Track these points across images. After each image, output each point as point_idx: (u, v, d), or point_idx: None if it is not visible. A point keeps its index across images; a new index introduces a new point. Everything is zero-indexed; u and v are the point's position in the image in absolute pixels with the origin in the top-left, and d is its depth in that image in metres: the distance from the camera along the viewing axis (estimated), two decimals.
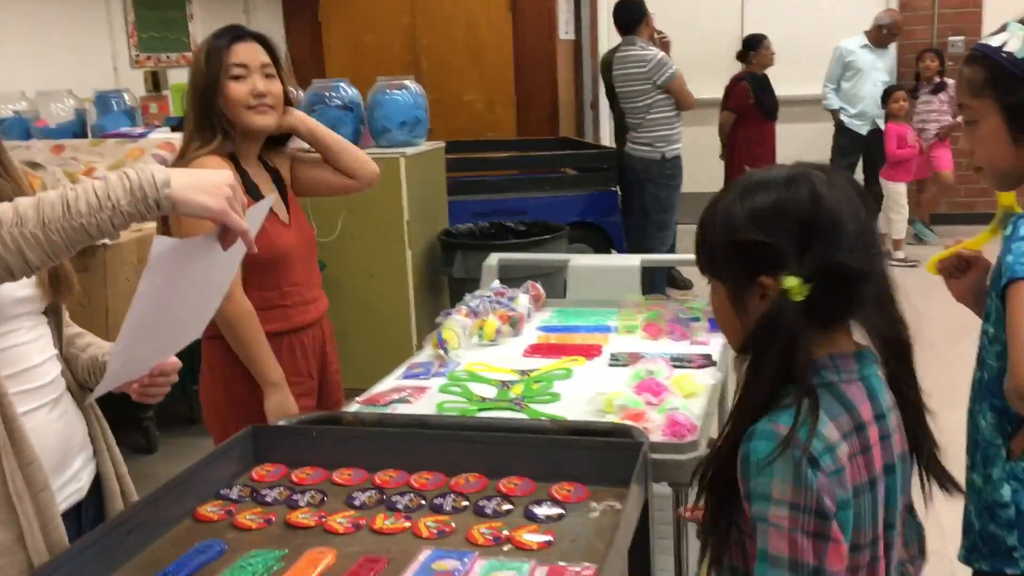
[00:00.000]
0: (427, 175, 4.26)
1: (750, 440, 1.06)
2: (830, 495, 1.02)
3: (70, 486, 1.42)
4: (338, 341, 2.29)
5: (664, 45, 5.52)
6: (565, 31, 7.69)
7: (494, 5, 7.36)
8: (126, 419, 3.63)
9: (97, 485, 1.50)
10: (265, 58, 2.04)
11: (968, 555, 1.51)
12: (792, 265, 1.06)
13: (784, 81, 6.95)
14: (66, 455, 1.42)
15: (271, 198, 1.55)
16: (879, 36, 6.72)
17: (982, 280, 1.53)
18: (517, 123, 7.51)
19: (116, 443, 1.57)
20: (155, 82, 6.07)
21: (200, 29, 6.56)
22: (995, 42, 1.40)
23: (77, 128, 4.43)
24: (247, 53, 2.01)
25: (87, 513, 1.47)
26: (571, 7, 7.90)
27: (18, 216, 1.12)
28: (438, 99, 7.15)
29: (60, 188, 1.16)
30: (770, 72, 6.59)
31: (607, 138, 8.09)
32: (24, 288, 1.34)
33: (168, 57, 6.30)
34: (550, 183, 5.51)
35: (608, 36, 7.92)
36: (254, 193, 2.02)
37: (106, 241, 3.01)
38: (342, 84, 4.06)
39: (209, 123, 2.00)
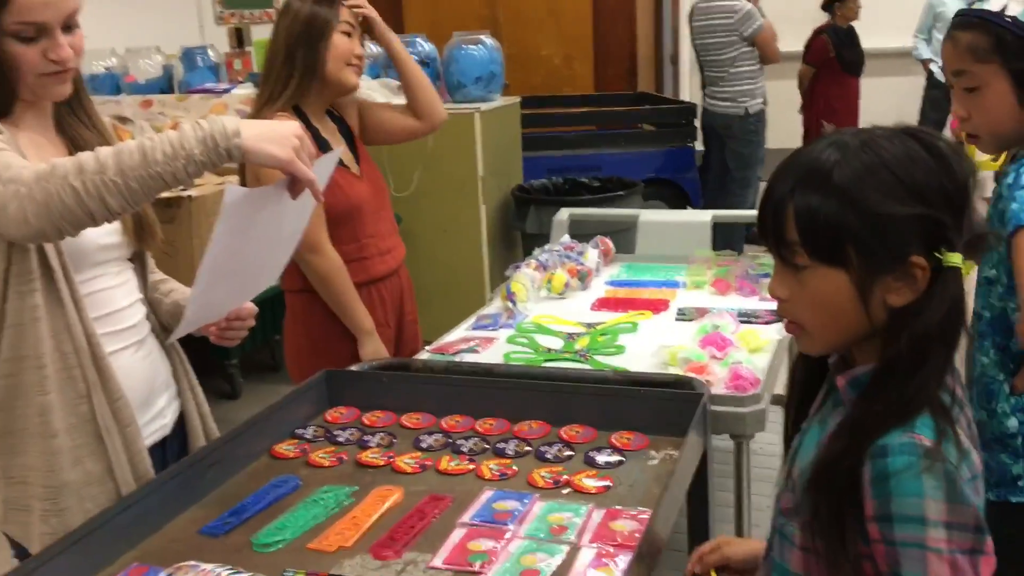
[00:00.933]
0: (501, 131, 4.28)
1: (885, 456, 0.92)
2: (979, 508, 0.93)
3: (155, 422, 1.51)
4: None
5: None
6: None
7: None
8: (211, 366, 3.77)
9: (181, 423, 1.59)
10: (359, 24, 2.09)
11: None
12: (955, 238, 0.92)
13: (872, 34, 6.72)
14: (151, 393, 1.50)
15: (340, 149, 1.60)
16: None
17: None
18: (595, 78, 7.43)
19: (200, 385, 1.66)
20: (239, 39, 6.19)
21: None
22: (993, 6, 1.38)
23: (164, 84, 4.56)
24: (349, 14, 2.06)
25: (171, 449, 1.56)
26: None
27: (99, 164, 1.18)
28: (515, 54, 7.12)
29: (138, 138, 1.22)
30: (858, 24, 6.38)
31: (687, 93, 7.97)
32: (109, 235, 1.42)
33: (252, 14, 6.41)
34: (626, 139, 5.47)
35: None
36: (324, 147, 2.07)
37: (191, 193, 3.13)
38: (418, 39, 4.09)
39: (291, 75, 2.03)
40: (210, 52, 4.92)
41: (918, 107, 6.83)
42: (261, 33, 6.42)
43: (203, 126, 1.20)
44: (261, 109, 2.03)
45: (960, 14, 1.46)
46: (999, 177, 1.50)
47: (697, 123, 5.47)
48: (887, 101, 6.35)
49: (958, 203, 0.92)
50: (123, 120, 3.53)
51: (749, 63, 5.08)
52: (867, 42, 6.50)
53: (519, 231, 4.30)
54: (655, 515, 1.14)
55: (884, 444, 0.91)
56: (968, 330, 1.40)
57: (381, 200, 2.21)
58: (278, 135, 1.22)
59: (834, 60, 6.20)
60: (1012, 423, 1.46)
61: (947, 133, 1.53)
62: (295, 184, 1.27)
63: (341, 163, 2.07)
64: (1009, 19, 1.36)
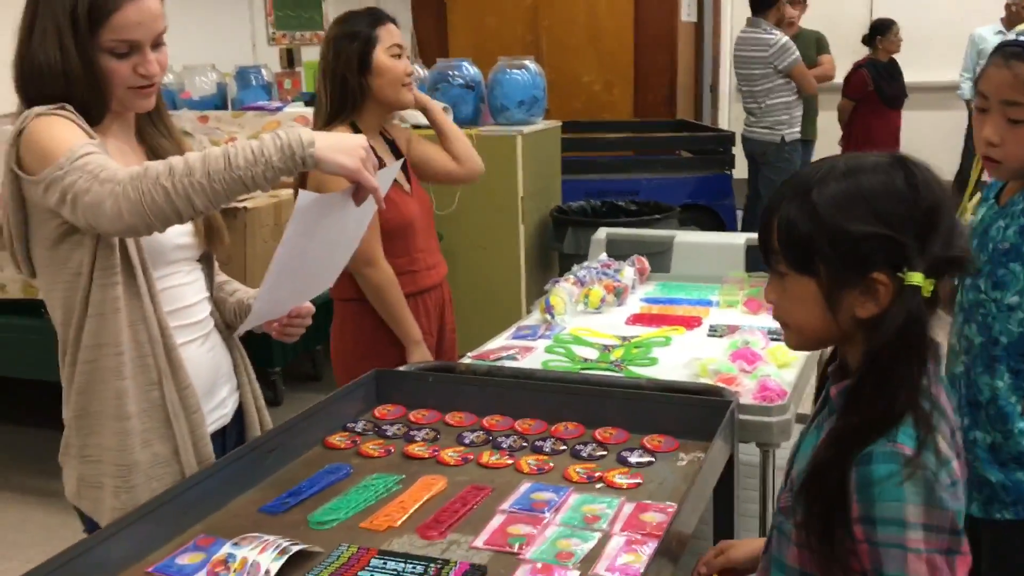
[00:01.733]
0: (542, 153, 4.39)
1: (869, 464, 1.00)
2: (955, 512, 1.00)
3: (217, 411, 1.63)
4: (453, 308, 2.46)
5: (791, 26, 5.48)
6: (687, 13, 7.67)
7: None
8: (256, 373, 3.92)
9: (239, 413, 1.70)
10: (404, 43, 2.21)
11: (986, 508, 1.56)
12: (915, 259, 1.00)
13: (914, 67, 6.76)
14: (214, 384, 1.62)
15: (401, 161, 1.71)
16: (1011, 17, 6.46)
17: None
18: (634, 105, 7.54)
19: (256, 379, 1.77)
20: (290, 59, 6.40)
21: (333, 8, 6.85)
22: None
23: (218, 101, 4.74)
24: (400, 35, 2.18)
25: (230, 437, 1.67)
26: None
27: (187, 167, 1.30)
28: (557, 80, 7.26)
29: (222, 146, 1.34)
30: (899, 57, 6.43)
31: (726, 121, 8.05)
32: (183, 236, 1.54)
33: (302, 35, 6.62)
34: (663, 164, 5.56)
35: (732, 19, 7.87)
36: (379, 163, 2.19)
37: (247, 205, 3.27)
38: (464, 63, 4.22)
39: (344, 95, 2.15)
40: (263, 71, 5.10)
41: (961, 140, 6.85)
42: (311, 54, 6.63)
43: (281, 136, 1.31)
44: (323, 128, 2.16)
45: (1019, 45, 1.46)
46: (1004, 207, 1.54)
47: (735, 150, 5.56)
48: (930, 135, 6.37)
49: (923, 228, 1.00)
50: (184, 133, 3.69)
51: (785, 94, 5.17)
52: (910, 75, 6.55)
53: (557, 251, 4.40)
54: (681, 508, 1.22)
55: (869, 452, 1.00)
56: (961, 352, 1.48)
57: (428, 218, 2.33)
58: (347, 146, 1.33)
59: (873, 94, 6.25)
60: None
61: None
62: (359, 192, 1.38)
63: (396, 181, 2.18)
64: None
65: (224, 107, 4.68)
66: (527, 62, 4.27)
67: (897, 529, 0.98)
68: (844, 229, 1.01)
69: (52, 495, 3.41)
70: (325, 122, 2.19)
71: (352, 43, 2.15)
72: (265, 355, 3.96)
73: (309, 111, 4.35)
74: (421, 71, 4.50)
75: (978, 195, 1.69)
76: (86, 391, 1.46)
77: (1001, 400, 1.54)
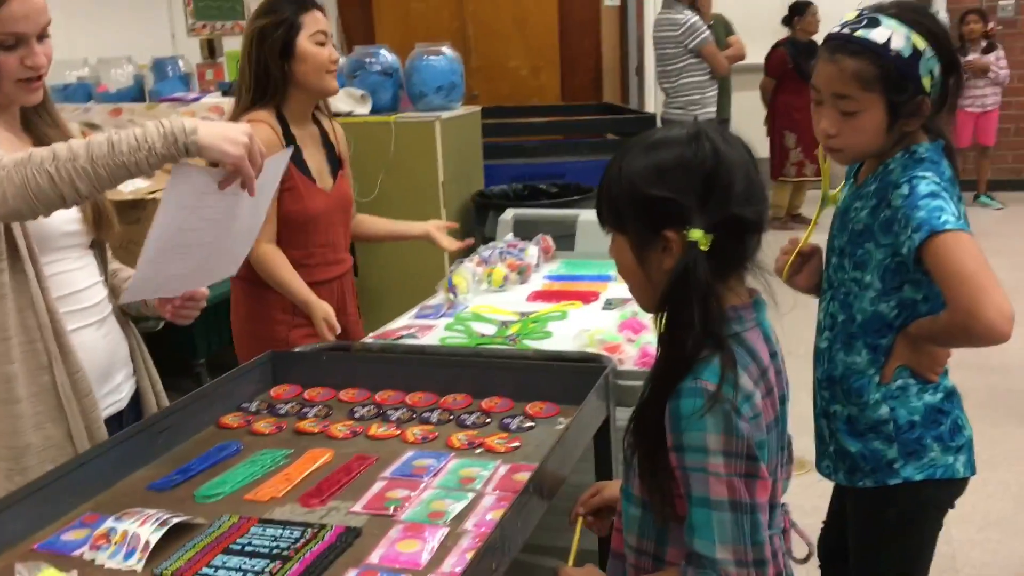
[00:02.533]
0: (462, 138, 4.44)
1: (678, 399, 1.11)
2: (753, 439, 1.11)
3: (112, 396, 1.66)
4: (373, 297, 2.48)
5: (703, 5, 5.59)
6: None
7: None
8: (179, 366, 3.91)
9: (136, 398, 1.74)
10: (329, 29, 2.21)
11: (850, 477, 1.65)
12: (695, 218, 1.11)
13: None
14: (109, 369, 1.65)
15: (290, 149, 1.74)
16: None
17: (821, 264, 1.70)
18: (561, 89, 7.63)
19: (155, 365, 1.80)
20: (211, 49, 6.34)
21: None
22: (877, 37, 1.47)
23: (136, 93, 4.69)
24: (325, 22, 2.19)
25: (127, 421, 1.70)
26: None
27: (71, 152, 1.34)
28: (484, 66, 7.32)
29: (107, 132, 1.37)
30: (819, 37, 6.59)
31: (652, 104, 8.17)
32: (71, 223, 1.57)
33: (223, 25, 6.56)
34: (590, 148, 5.63)
35: (654, 2, 7.97)
36: (296, 158, 2.19)
37: (156, 196, 3.27)
38: (382, 50, 4.24)
39: (266, 83, 2.15)
40: (180, 62, 5.06)
41: None
42: (232, 44, 6.57)
43: (164, 124, 1.36)
44: (240, 116, 2.16)
45: (841, 37, 1.51)
46: (860, 188, 1.61)
47: None
48: None
49: (703, 191, 1.12)
50: (93, 127, 3.66)
51: (698, 73, 5.29)
52: None
53: (478, 235, 4.45)
54: (543, 463, 1.29)
55: (678, 388, 1.12)
56: (825, 329, 1.59)
57: (342, 215, 2.34)
58: (231, 135, 1.38)
59: (792, 71, 6.43)
60: (883, 410, 1.60)
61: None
62: (230, 179, 1.41)
63: (307, 174, 2.20)
64: (894, 53, 1.46)
65: (142, 99, 4.64)
66: (444, 48, 4.30)
67: (701, 455, 1.10)
68: (640, 192, 1.14)
69: None
70: (246, 108, 2.18)
71: (275, 29, 2.14)
72: (189, 347, 3.96)
73: (226, 101, 4.34)
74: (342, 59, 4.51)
75: (840, 184, 1.76)
76: None
77: (855, 374, 1.62)
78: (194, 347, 3.94)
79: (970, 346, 1.51)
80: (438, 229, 2.49)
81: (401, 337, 2.05)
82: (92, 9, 5.13)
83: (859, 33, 1.49)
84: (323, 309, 2.14)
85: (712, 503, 1.10)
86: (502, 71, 7.57)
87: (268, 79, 2.15)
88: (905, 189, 1.49)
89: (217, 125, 1.40)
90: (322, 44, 2.17)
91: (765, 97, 6.63)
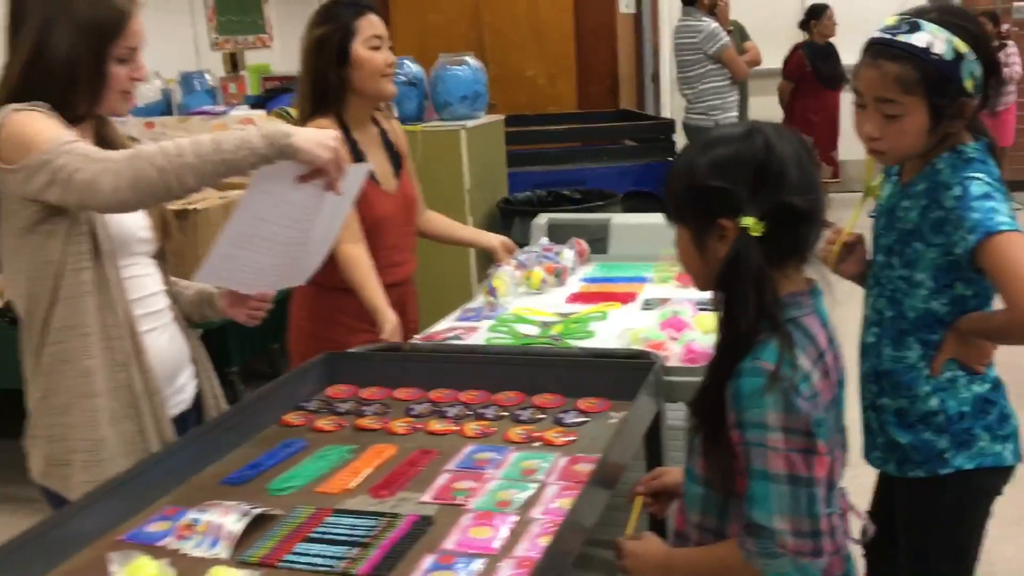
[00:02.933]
0: (487, 146, 4.50)
1: (739, 377, 1.19)
2: (811, 416, 1.19)
3: (177, 396, 1.72)
4: None
5: (722, 12, 5.66)
6: (625, 5, 7.82)
7: None
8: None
9: (198, 400, 1.80)
10: (387, 31, 2.24)
11: (901, 468, 1.69)
12: (747, 207, 1.19)
13: (849, 50, 6.98)
14: (174, 371, 1.72)
15: (369, 165, 1.77)
16: None
17: (866, 251, 1.76)
18: (578, 97, 7.68)
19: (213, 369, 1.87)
20: (233, 63, 6.43)
21: (275, 12, 6.89)
22: (918, 42, 1.51)
23: (164, 107, 4.78)
24: (381, 25, 2.21)
25: (189, 422, 1.77)
26: None
27: (178, 149, 1.43)
28: (501, 75, 7.37)
29: (211, 133, 1.47)
30: (838, 42, 6.64)
31: (668, 110, 8.23)
32: (144, 230, 1.65)
33: (245, 39, 6.65)
34: (607, 154, 5.69)
35: (669, 10, 8.03)
36: (357, 156, 2.24)
37: (197, 206, 3.34)
38: (406, 61, 4.31)
39: (330, 86, 2.19)
40: (207, 76, 5.15)
41: None
42: (255, 58, 6.66)
43: (264, 127, 1.45)
44: (305, 122, 2.20)
45: (884, 43, 1.54)
46: (906, 187, 1.65)
47: (675, 138, 5.72)
48: None
49: (755, 181, 1.20)
50: (132, 139, 3.74)
51: (718, 79, 5.35)
52: (845, 59, 6.76)
53: None
54: (605, 456, 1.34)
55: (739, 369, 1.20)
56: (872, 324, 1.65)
57: (407, 216, 2.37)
58: (322, 139, 1.47)
59: (811, 74, 6.48)
60: (934, 402, 1.64)
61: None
62: (313, 176, 1.49)
63: (372, 177, 2.24)
64: (935, 56, 1.50)
65: (169, 113, 4.73)
66: (467, 58, 4.38)
67: (760, 431, 1.18)
68: (697, 184, 1.24)
69: (12, 500, 3.46)
70: (307, 117, 2.21)
71: (331, 37, 2.17)
72: (222, 354, 4.02)
73: (255, 114, 4.42)
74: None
75: (880, 177, 1.80)
76: (54, 372, 1.56)
77: (904, 368, 1.66)
78: (228, 355, 4.01)
79: None
80: (503, 247, 2.51)
81: (446, 339, 2.10)
82: None
83: (901, 38, 1.53)
84: (392, 322, 2.12)
85: (771, 476, 1.18)
86: (519, 80, 7.63)
87: (326, 87, 2.19)
88: (958, 190, 1.53)
89: (309, 130, 1.50)
90: (377, 48, 2.20)
91: (782, 100, 6.68)
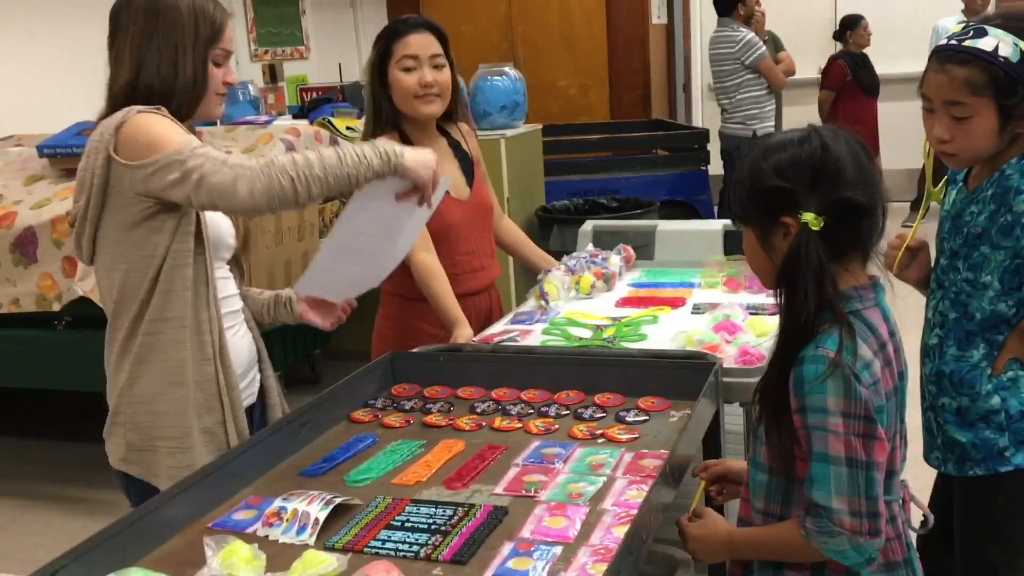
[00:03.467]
0: (525, 155, 4.56)
1: (802, 364, 1.26)
2: (871, 402, 1.25)
3: (247, 390, 1.80)
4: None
5: (758, 22, 5.71)
6: (657, 15, 7.88)
7: None
8: None
9: (261, 394, 1.87)
10: (436, 48, 2.23)
11: (960, 467, 1.73)
12: (807, 203, 1.27)
13: (881, 59, 7.00)
14: (248, 368, 1.79)
15: (450, 180, 1.82)
16: (971, 7, 6.69)
17: (929, 257, 1.80)
18: (610, 106, 7.74)
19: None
20: (272, 74, 6.54)
21: (312, 25, 7.01)
22: (985, 46, 1.56)
23: None
24: (418, 44, 2.20)
25: (255, 414, 1.86)
26: None
27: (307, 161, 1.54)
28: (533, 85, 7.40)
29: (332, 147, 1.58)
30: (870, 51, 6.67)
31: (699, 119, 8.26)
32: (230, 237, 1.76)
33: (284, 51, 6.76)
34: (641, 163, 5.74)
35: (701, 20, 8.08)
36: None
37: None
38: None
39: (379, 106, 2.26)
40: (250, 87, 5.25)
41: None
42: (292, 69, 6.77)
43: (378, 145, 1.58)
44: (370, 135, 2.26)
45: (949, 49, 1.59)
46: (974, 193, 1.69)
47: (709, 147, 5.75)
48: (900, 124, 6.60)
49: (812, 179, 1.28)
50: None
51: (754, 89, 5.39)
52: (878, 68, 6.79)
53: (543, 249, 4.55)
54: (674, 450, 1.39)
55: (801, 356, 1.27)
56: (936, 326, 1.69)
57: (482, 222, 2.40)
58: (425, 160, 1.61)
59: (852, 83, 6.49)
60: (995, 400, 1.68)
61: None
62: (411, 194, 1.63)
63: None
64: (1002, 59, 1.55)
65: (214, 123, 4.83)
66: (507, 68, 4.45)
67: (821, 415, 1.24)
68: (759, 186, 1.32)
69: (69, 500, 3.55)
70: (370, 133, 2.26)
71: (375, 57, 2.24)
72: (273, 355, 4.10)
73: (298, 123, 4.50)
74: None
75: (943, 181, 1.84)
76: (144, 361, 1.65)
77: (968, 367, 1.70)
78: (272, 360, 4.08)
79: None
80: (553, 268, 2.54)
81: (502, 341, 2.15)
82: None
83: (967, 43, 1.58)
84: (465, 334, 2.13)
85: (830, 458, 1.24)
86: (552, 90, 7.70)
87: (377, 105, 2.26)
88: None
89: (414, 150, 1.64)
90: (409, 70, 2.20)
91: (823, 111, 6.69)
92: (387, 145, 1.58)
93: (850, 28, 6.61)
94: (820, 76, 6.72)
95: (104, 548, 1.22)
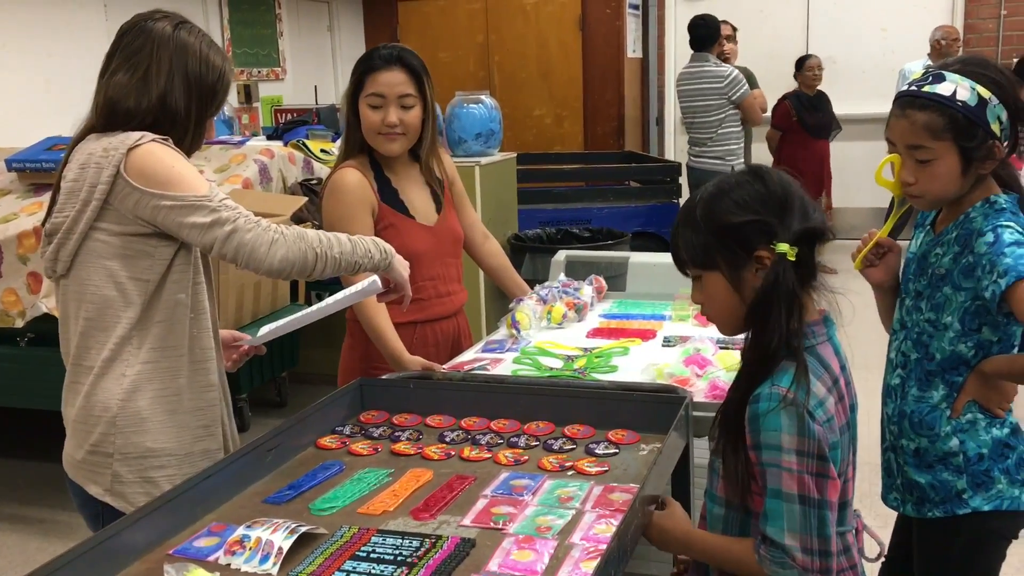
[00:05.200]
0: (499, 183, 4.58)
1: (757, 403, 1.29)
2: (825, 440, 1.28)
3: None
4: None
5: (729, 58, 5.81)
6: (632, 49, 7.98)
7: (564, 24, 7.69)
8: None
9: None
10: (405, 88, 2.21)
11: (919, 508, 1.74)
12: (780, 233, 1.30)
13: (848, 99, 7.14)
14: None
15: (375, 282, 1.84)
16: (937, 52, 6.84)
17: (898, 263, 1.82)
18: (584, 137, 7.81)
19: None
20: (247, 95, 6.53)
21: (289, 46, 7.01)
22: (943, 91, 1.60)
23: None
24: (386, 83, 2.20)
25: None
26: (639, 26, 8.18)
27: (330, 242, 1.69)
28: (509, 114, 7.46)
29: (343, 234, 1.74)
30: (834, 90, 6.78)
31: (671, 152, 8.35)
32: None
33: (259, 72, 6.75)
34: (614, 194, 5.78)
35: (675, 55, 8.19)
36: (392, 199, 2.29)
37: None
38: None
39: (351, 137, 2.28)
40: (224, 107, 5.22)
41: None
42: (268, 90, 6.76)
43: (379, 243, 1.79)
44: (343, 159, 2.32)
45: (910, 95, 1.63)
46: (939, 236, 1.71)
47: (681, 180, 5.81)
48: (865, 163, 6.71)
49: (780, 209, 1.31)
50: None
51: (734, 124, 5.46)
52: (845, 108, 6.90)
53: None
54: (643, 486, 1.39)
55: (757, 393, 1.30)
56: (897, 366, 1.71)
57: (449, 248, 2.40)
58: (405, 264, 1.86)
59: (797, 124, 6.62)
60: (954, 442, 1.70)
61: None
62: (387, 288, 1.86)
63: (406, 212, 2.31)
64: (960, 104, 1.59)
65: None
66: (483, 97, 4.47)
67: (775, 452, 1.27)
68: (725, 223, 1.33)
69: (24, 521, 3.47)
70: (344, 157, 2.30)
71: (350, 84, 2.25)
72: (232, 381, 4.05)
73: (272, 144, 4.50)
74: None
75: (893, 215, 1.86)
76: (140, 389, 1.66)
77: (927, 408, 1.72)
78: (238, 382, 4.04)
79: None
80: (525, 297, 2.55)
81: (473, 369, 2.14)
82: None
83: (926, 88, 1.62)
84: (414, 364, 2.14)
85: (784, 495, 1.26)
86: (527, 119, 7.76)
87: (350, 133, 2.28)
88: (990, 237, 1.59)
89: (399, 257, 1.85)
90: (376, 107, 2.21)
91: (771, 148, 6.81)
92: (387, 245, 1.79)
93: (798, 68, 6.76)
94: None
95: (63, 573, 1.19)
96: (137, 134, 1.62)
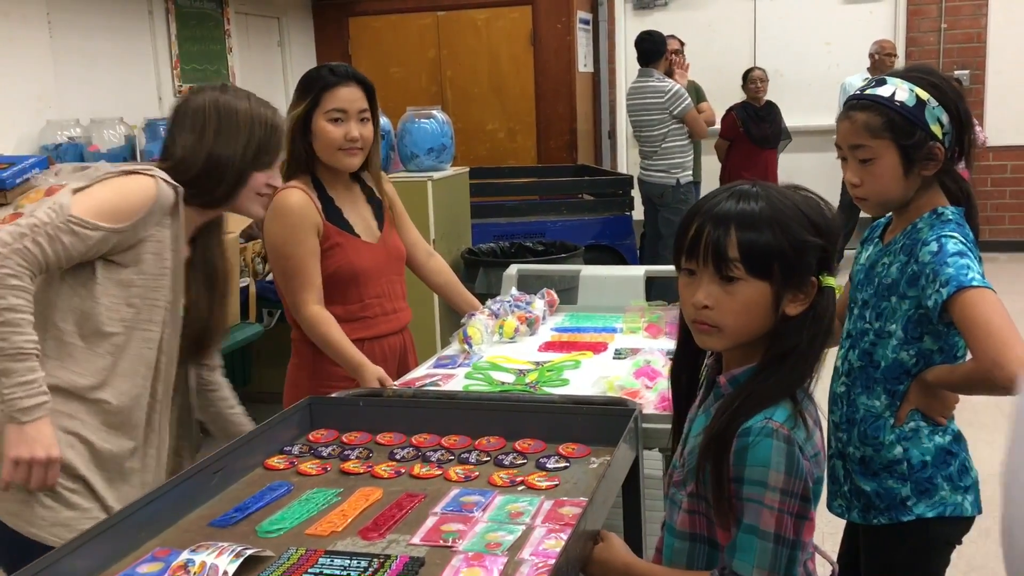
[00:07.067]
0: (452, 198, 4.58)
1: (747, 436, 1.21)
2: (812, 478, 1.22)
3: None
4: None
5: (681, 73, 5.88)
6: (584, 64, 8.04)
7: (516, 39, 7.72)
8: None
9: None
10: (363, 104, 2.25)
11: (864, 515, 1.77)
12: (833, 264, 1.24)
13: (795, 111, 7.26)
14: None
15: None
16: (875, 65, 6.99)
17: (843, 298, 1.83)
18: (537, 151, 7.84)
19: None
20: None
21: (239, 63, 6.94)
22: (883, 92, 1.67)
23: (127, 153, 4.77)
24: (348, 98, 2.22)
25: None
26: (590, 41, 8.25)
27: (12, 320, 1.64)
28: (461, 128, 7.50)
29: (30, 345, 1.66)
30: (780, 103, 6.90)
31: (624, 166, 8.42)
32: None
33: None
34: (567, 207, 5.81)
35: (626, 69, 8.26)
36: (336, 218, 2.29)
37: None
38: None
39: (296, 156, 2.26)
40: None
41: (839, 179, 7.33)
42: None
43: (36, 398, 1.67)
44: (286, 179, 2.26)
45: (854, 97, 1.72)
46: (887, 246, 1.75)
47: (634, 192, 5.86)
48: (811, 174, 6.82)
49: (834, 239, 1.26)
50: None
51: (679, 138, 5.52)
52: (792, 120, 7.01)
53: (468, 291, 4.55)
54: (592, 500, 1.38)
55: (748, 426, 1.22)
56: (842, 375, 1.72)
57: (393, 265, 2.40)
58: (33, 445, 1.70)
59: (743, 134, 6.74)
60: (897, 450, 1.72)
61: None
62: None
63: (351, 231, 2.29)
64: (898, 103, 1.65)
65: (133, 159, 4.72)
66: (435, 112, 4.47)
67: (760, 489, 1.20)
68: (801, 239, 1.23)
69: None
70: (287, 176, 2.27)
71: (299, 104, 2.24)
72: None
73: None
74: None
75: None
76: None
77: (872, 417, 1.74)
78: None
79: (989, 395, 1.62)
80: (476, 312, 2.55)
81: (424, 385, 2.13)
82: (82, 69, 5.24)
83: (868, 91, 1.69)
84: (375, 372, 2.13)
85: (759, 532, 1.20)
86: (479, 133, 7.77)
87: (296, 151, 2.26)
88: (934, 246, 1.63)
89: (34, 425, 1.68)
90: (337, 121, 2.22)
91: (720, 157, 6.93)
92: (26, 401, 1.65)
93: (743, 81, 6.91)
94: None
95: None
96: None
